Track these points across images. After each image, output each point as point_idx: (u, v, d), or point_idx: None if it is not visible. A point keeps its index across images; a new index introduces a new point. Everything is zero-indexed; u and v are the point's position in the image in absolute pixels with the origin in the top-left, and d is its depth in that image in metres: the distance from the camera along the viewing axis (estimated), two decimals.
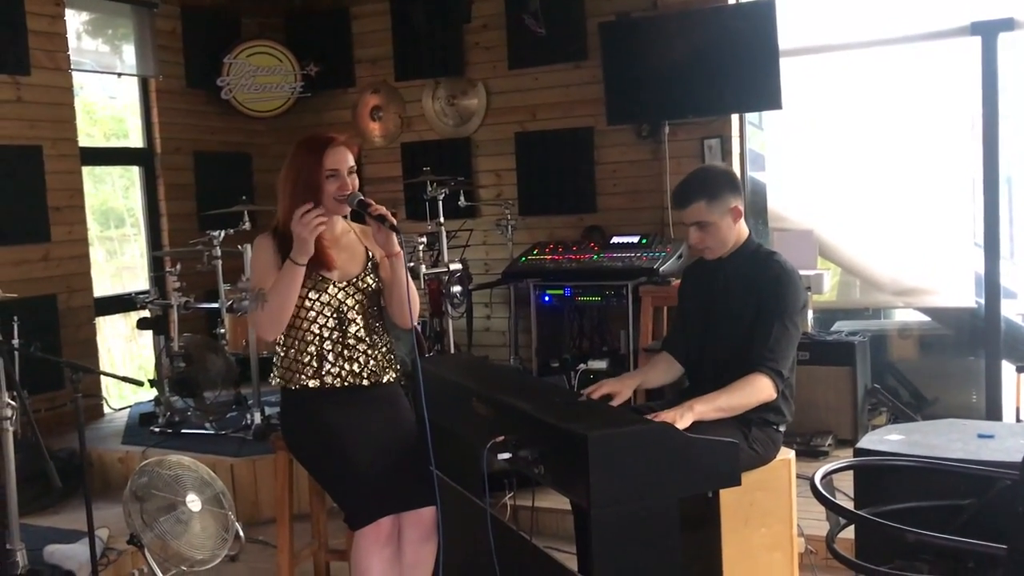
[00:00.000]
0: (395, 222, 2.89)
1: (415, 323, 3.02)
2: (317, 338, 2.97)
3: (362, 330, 3.02)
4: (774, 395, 2.85)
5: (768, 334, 2.83)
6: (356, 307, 3.01)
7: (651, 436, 2.32)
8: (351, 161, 2.99)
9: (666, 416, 2.59)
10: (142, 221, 6.54)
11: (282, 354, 3.03)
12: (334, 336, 2.98)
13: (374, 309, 3.08)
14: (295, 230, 2.84)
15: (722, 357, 2.99)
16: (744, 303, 2.94)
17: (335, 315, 2.98)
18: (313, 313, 2.97)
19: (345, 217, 3.11)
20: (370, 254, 3.08)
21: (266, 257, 2.97)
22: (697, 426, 2.62)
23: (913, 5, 5.41)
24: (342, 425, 2.92)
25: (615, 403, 2.97)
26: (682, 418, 2.61)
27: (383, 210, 2.90)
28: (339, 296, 2.99)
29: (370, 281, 3.05)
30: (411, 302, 2.96)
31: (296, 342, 2.99)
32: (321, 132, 3.11)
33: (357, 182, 2.99)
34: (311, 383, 2.96)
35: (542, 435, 2.37)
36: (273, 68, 6.71)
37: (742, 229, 3.01)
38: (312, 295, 2.96)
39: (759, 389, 2.81)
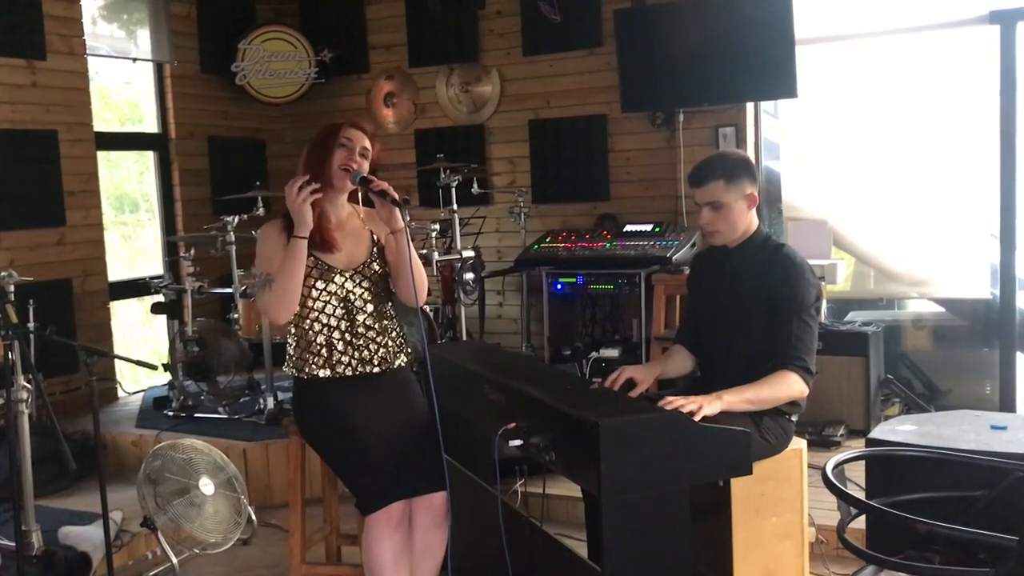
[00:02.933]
0: (397, 196, 2.88)
1: (421, 304, 3.02)
2: (326, 327, 2.97)
3: (371, 318, 3.02)
4: (806, 391, 2.84)
5: (790, 332, 2.82)
6: (364, 295, 3.01)
7: (662, 424, 2.32)
8: (366, 143, 2.99)
9: (694, 401, 2.57)
10: (156, 206, 6.56)
11: (293, 344, 3.05)
12: (342, 325, 2.98)
13: (382, 295, 3.07)
14: (288, 204, 2.85)
15: (734, 349, 2.98)
16: (755, 296, 2.92)
17: (343, 304, 2.98)
18: (320, 303, 2.97)
19: (351, 201, 3.11)
20: (375, 238, 3.07)
21: (272, 242, 2.97)
22: (711, 416, 2.61)
23: None
24: (354, 411, 2.93)
25: (636, 391, 2.97)
26: (710, 405, 2.58)
27: (384, 185, 2.89)
28: (346, 285, 2.99)
29: (376, 267, 3.04)
30: (416, 281, 2.95)
31: (305, 332, 2.99)
32: (340, 117, 3.11)
33: (367, 166, 2.99)
34: (322, 372, 2.97)
35: (554, 422, 2.38)
36: (287, 54, 6.71)
37: (753, 219, 3.00)
38: (319, 285, 2.96)
39: (790, 385, 2.80)
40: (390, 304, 3.11)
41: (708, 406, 2.57)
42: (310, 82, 6.77)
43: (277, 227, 2.99)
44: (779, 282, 2.87)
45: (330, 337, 2.97)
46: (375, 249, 3.06)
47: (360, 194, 3.07)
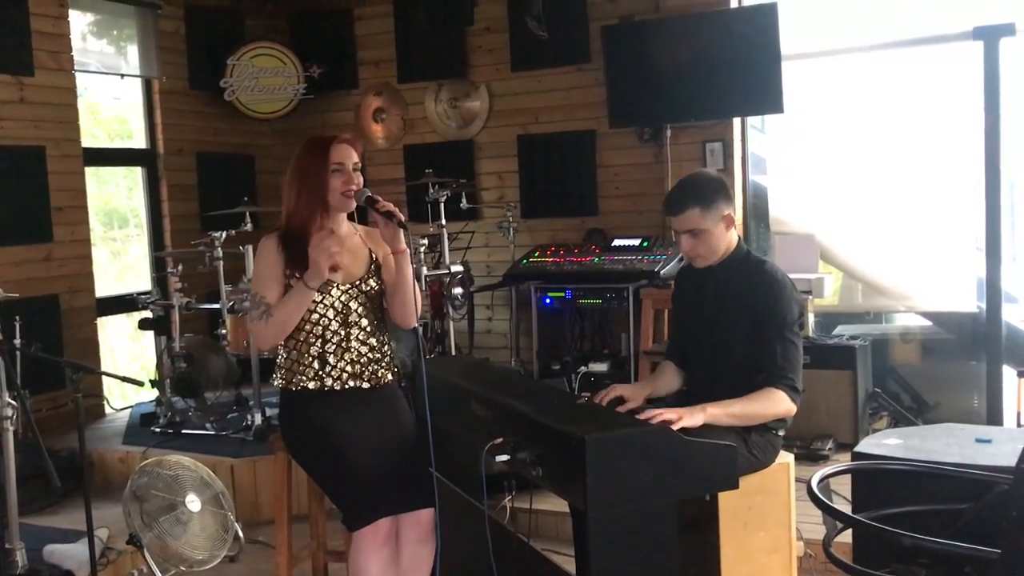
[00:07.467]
0: (403, 218, 2.89)
1: (414, 324, 3.02)
2: (319, 340, 2.97)
3: (364, 333, 3.02)
4: (793, 409, 2.83)
5: (775, 351, 2.82)
6: (359, 309, 3.01)
7: (649, 439, 2.32)
8: (356, 157, 3.00)
9: (676, 412, 2.57)
10: (145, 222, 6.55)
11: (284, 355, 3.03)
12: (336, 339, 2.98)
13: (376, 312, 3.08)
14: (311, 254, 2.84)
15: (719, 366, 2.98)
16: (738, 314, 2.92)
17: (338, 318, 2.98)
18: (316, 315, 2.97)
19: (351, 219, 3.11)
20: (374, 256, 3.08)
21: (268, 261, 2.96)
22: (697, 430, 2.60)
23: (915, 9, 5.41)
24: (340, 426, 2.92)
25: (625, 408, 2.96)
26: (691, 417, 2.57)
27: (391, 206, 2.89)
28: (342, 299, 2.98)
29: (373, 284, 3.05)
30: (415, 302, 2.97)
31: (298, 344, 2.99)
32: (326, 132, 3.12)
33: (362, 180, 3.00)
34: (311, 384, 2.96)
35: (540, 437, 2.38)
36: (276, 70, 6.72)
37: (732, 237, 3.00)
38: (316, 298, 2.95)
39: (777, 402, 2.79)
40: (383, 321, 3.11)
41: (689, 418, 2.56)
42: (299, 98, 6.77)
43: (274, 243, 2.97)
44: (762, 300, 2.88)
45: (323, 350, 2.97)
46: (372, 267, 3.06)
47: (356, 212, 3.07)
